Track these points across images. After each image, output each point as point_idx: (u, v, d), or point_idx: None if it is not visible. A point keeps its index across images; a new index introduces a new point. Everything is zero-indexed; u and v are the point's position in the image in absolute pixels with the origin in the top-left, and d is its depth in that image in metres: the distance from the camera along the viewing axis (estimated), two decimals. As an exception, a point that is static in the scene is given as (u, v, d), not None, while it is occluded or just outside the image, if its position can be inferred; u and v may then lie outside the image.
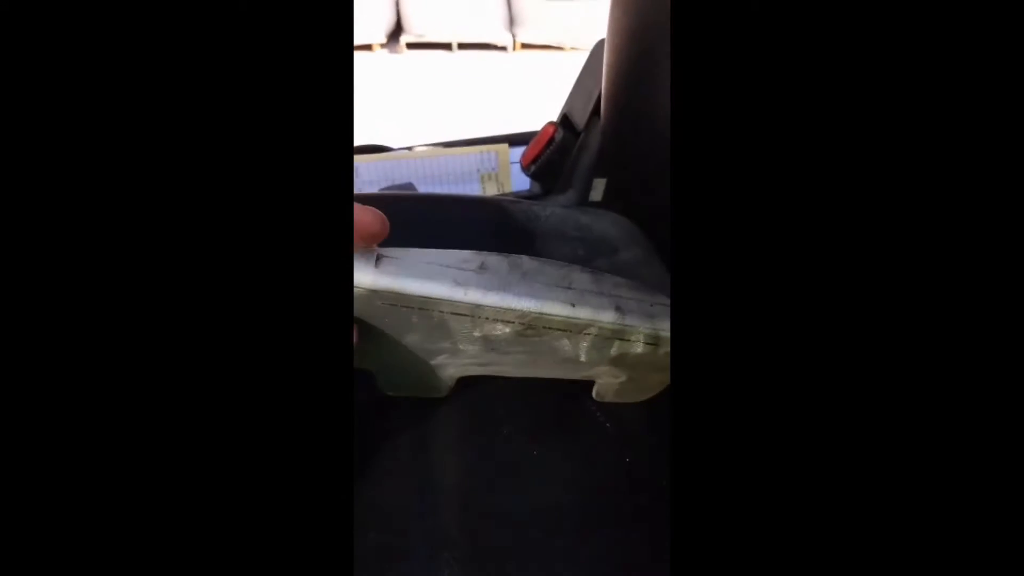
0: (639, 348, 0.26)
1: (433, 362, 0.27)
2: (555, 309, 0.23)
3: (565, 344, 0.25)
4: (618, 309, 0.24)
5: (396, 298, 0.22)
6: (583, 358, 0.26)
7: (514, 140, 0.60)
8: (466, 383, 0.29)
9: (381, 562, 0.24)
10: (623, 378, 0.29)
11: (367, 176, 0.55)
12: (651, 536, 0.25)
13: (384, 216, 0.21)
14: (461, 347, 0.25)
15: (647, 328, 0.25)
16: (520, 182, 0.57)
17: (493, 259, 0.23)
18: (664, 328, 0.25)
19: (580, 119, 0.43)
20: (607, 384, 0.30)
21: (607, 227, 0.41)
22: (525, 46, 2.83)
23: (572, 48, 2.76)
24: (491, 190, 0.56)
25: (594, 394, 0.31)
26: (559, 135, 0.43)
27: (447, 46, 2.77)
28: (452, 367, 0.28)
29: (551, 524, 0.26)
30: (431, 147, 0.59)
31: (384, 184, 0.55)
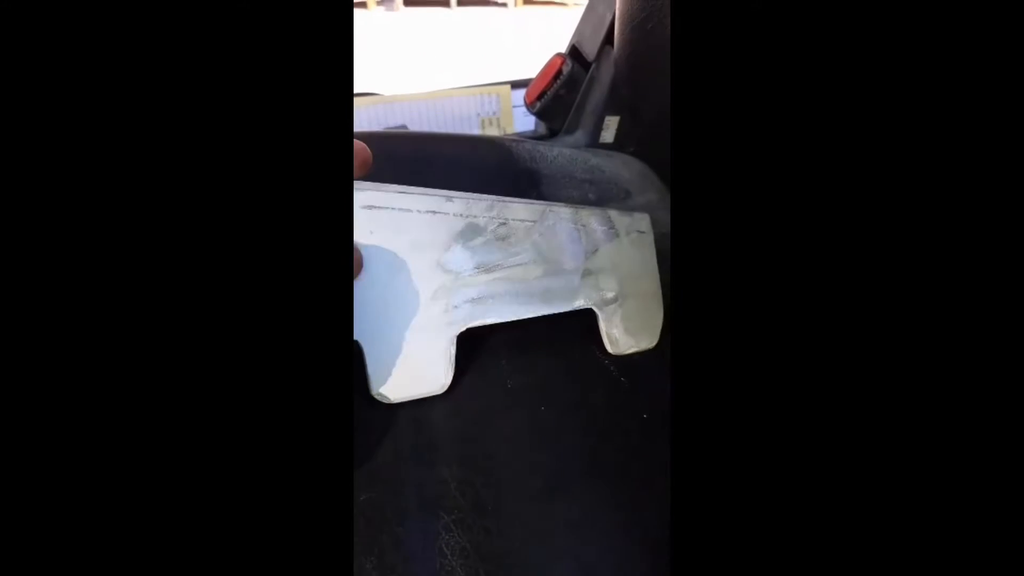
0: (601, 235, 0.28)
1: (431, 309, 0.25)
2: (515, 204, 0.26)
3: (541, 246, 0.27)
4: (569, 204, 0.28)
5: (376, 199, 0.23)
6: (565, 261, 0.27)
7: (517, 84, 0.56)
8: (465, 337, 0.26)
9: (374, 524, 0.21)
10: (612, 294, 0.28)
11: (356, 120, 0.51)
12: (665, 494, 0.23)
13: (365, 145, 0.21)
14: (449, 268, 0.25)
15: (597, 211, 0.28)
16: (524, 128, 0.53)
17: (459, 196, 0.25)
18: (614, 213, 0.29)
19: (591, 49, 0.39)
20: (612, 318, 0.28)
21: (619, 169, 0.38)
22: (527, 2, 2.71)
23: (575, 3, 2.64)
24: (492, 136, 0.52)
25: (608, 347, 0.28)
26: (567, 67, 0.39)
27: (445, 2, 2.65)
28: (447, 316, 0.25)
29: (559, 484, 0.23)
30: (427, 92, 0.54)
31: (375, 128, 0.51)
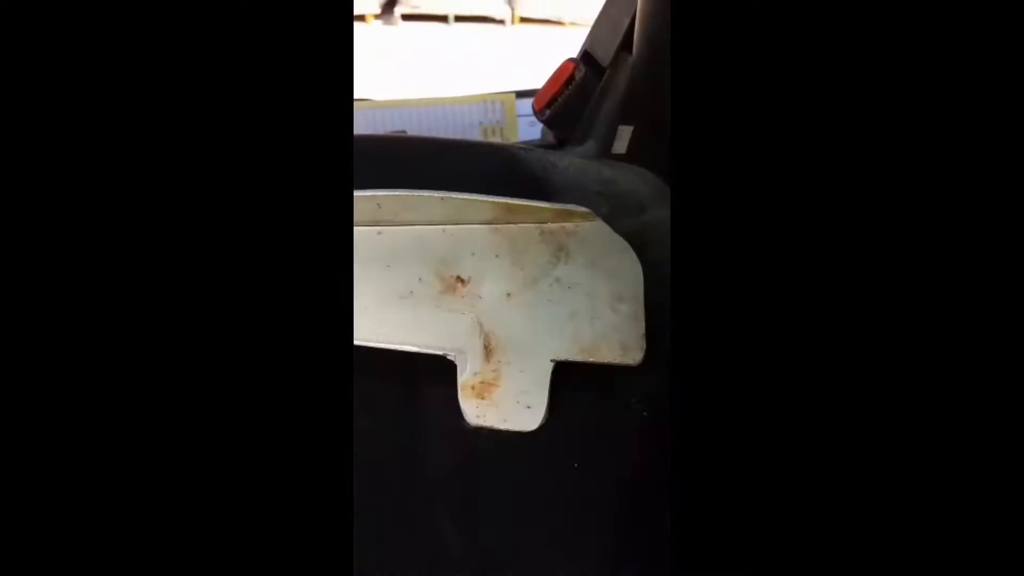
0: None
1: None
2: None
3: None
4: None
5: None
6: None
7: (521, 94, 0.54)
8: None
9: (368, 569, 0.18)
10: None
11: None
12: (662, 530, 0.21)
13: None
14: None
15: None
16: (528, 139, 0.50)
17: None
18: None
19: (605, 55, 0.37)
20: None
21: (634, 182, 0.35)
22: (524, 20, 2.73)
23: (572, 23, 2.66)
24: (495, 146, 0.50)
25: None
26: (580, 73, 0.37)
27: (443, 18, 2.66)
28: None
29: (569, 519, 0.21)
30: (426, 99, 0.52)
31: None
